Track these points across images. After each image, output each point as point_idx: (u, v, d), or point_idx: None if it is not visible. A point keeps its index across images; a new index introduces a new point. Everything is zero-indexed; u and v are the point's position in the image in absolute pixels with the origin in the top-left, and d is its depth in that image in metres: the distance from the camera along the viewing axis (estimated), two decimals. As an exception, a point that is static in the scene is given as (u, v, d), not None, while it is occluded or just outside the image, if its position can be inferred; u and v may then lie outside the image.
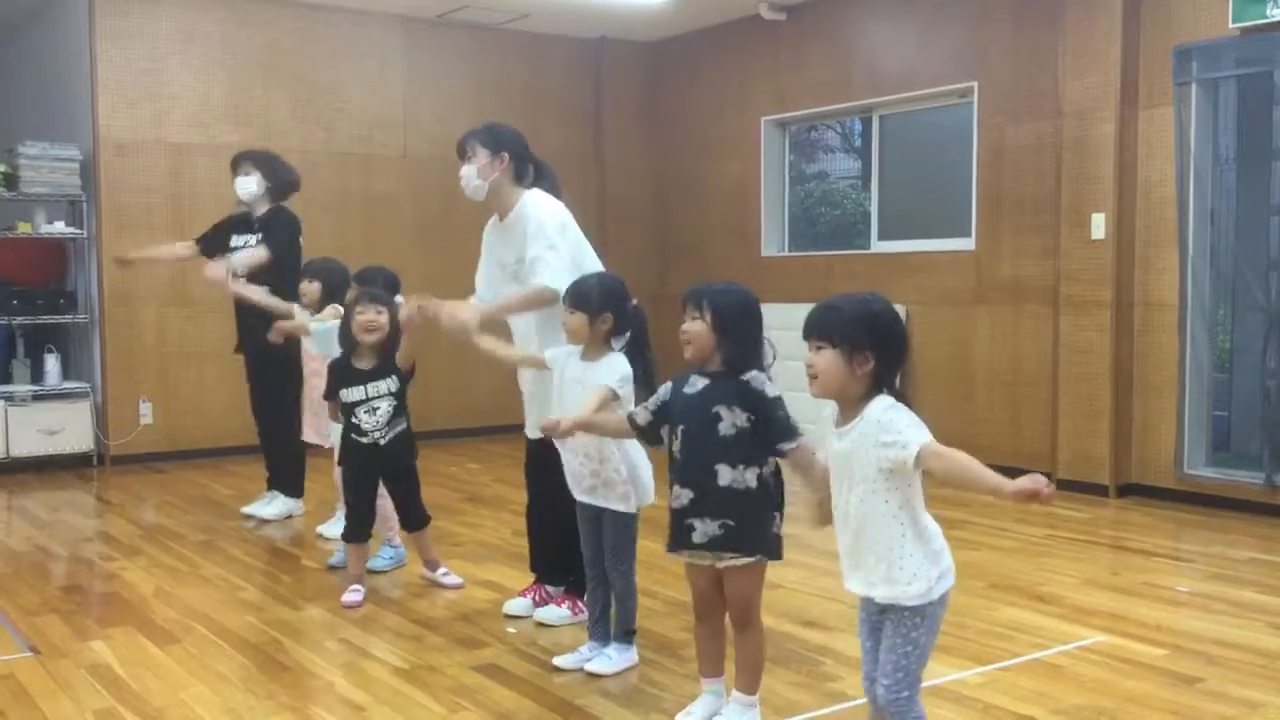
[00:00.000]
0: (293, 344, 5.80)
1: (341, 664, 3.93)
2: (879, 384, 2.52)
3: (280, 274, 5.94)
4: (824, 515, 2.75)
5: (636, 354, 3.68)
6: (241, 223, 6.22)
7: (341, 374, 4.65)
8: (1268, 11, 5.87)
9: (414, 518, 4.84)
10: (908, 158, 8.28)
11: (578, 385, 3.66)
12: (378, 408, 4.59)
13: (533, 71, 9.41)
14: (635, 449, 3.66)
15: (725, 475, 3.06)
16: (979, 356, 7.40)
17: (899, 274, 7.84)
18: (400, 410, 4.64)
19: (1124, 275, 6.55)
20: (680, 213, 9.68)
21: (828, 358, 2.52)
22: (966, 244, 7.52)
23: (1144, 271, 6.54)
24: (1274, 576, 4.95)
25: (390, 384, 4.60)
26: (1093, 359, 6.62)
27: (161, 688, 3.69)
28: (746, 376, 3.09)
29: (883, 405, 2.50)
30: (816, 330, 2.55)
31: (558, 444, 3.74)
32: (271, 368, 6.10)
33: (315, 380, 5.61)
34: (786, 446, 3.05)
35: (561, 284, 3.84)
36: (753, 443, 3.07)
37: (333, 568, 5.16)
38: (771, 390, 3.08)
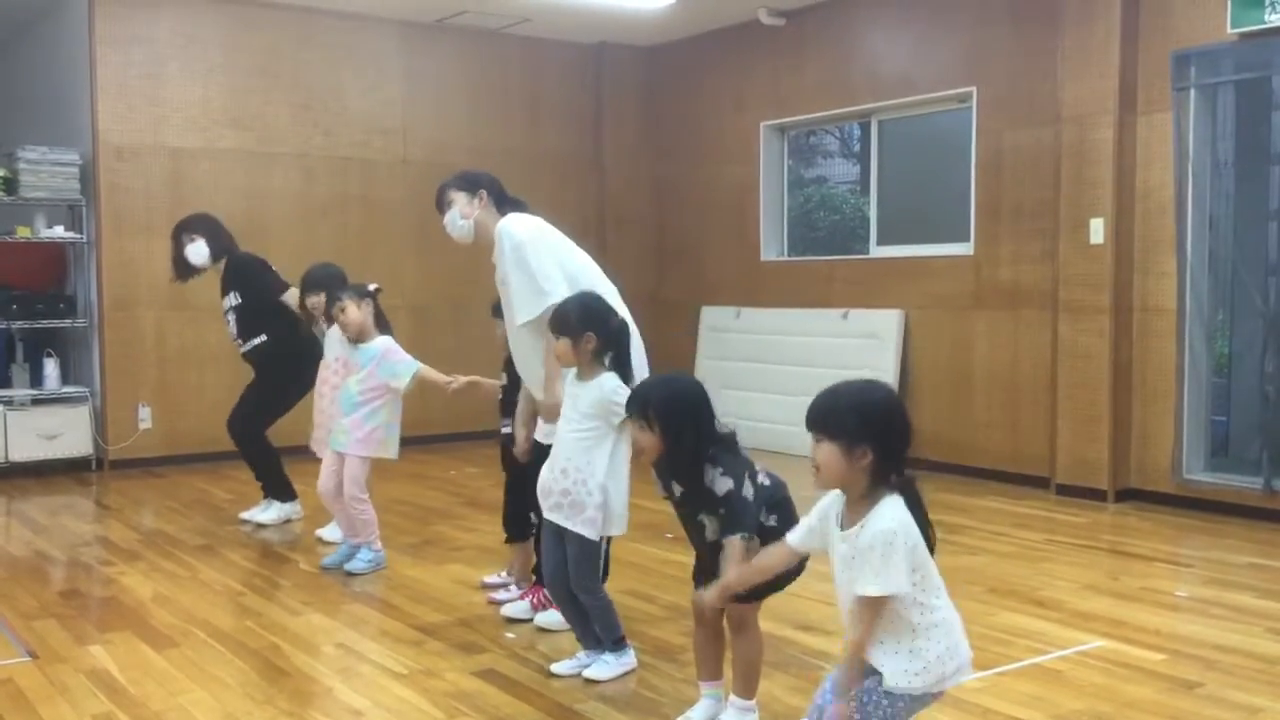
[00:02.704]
0: (308, 357, 5.91)
1: (340, 669, 3.93)
2: (883, 475, 2.46)
3: (263, 312, 6.11)
4: (701, 601, 2.95)
5: (618, 373, 3.63)
6: (221, 284, 6.28)
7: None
8: (1266, 17, 5.88)
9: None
10: (907, 163, 8.28)
11: (570, 401, 3.67)
12: None
13: (532, 76, 9.42)
14: (616, 477, 3.62)
15: (724, 566, 3.07)
16: (978, 361, 7.40)
17: (898, 279, 7.85)
18: None
19: (1122, 280, 6.55)
20: (679, 217, 9.69)
21: (826, 451, 2.46)
22: (965, 249, 7.53)
23: (1142, 276, 6.54)
24: (1273, 581, 4.95)
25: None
26: (1091, 364, 6.62)
27: (160, 693, 3.68)
28: (708, 482, 3.09)
29: (880, 523, 2.41)
30: (814, 423, 2.49)
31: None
32: (272, 379, 6.14)
33: (325, 388, 5.64)
34: (727, 538, 3.03)
35: (539, 305, 3.90)
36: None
37: (326, 569, 5.17)
38: (721, 487, 3.08)
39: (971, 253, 7.47)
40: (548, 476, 3.69)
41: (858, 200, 9.18)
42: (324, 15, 8.48)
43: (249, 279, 6.17)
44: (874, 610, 2.39)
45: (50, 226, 7.83)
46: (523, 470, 4.38)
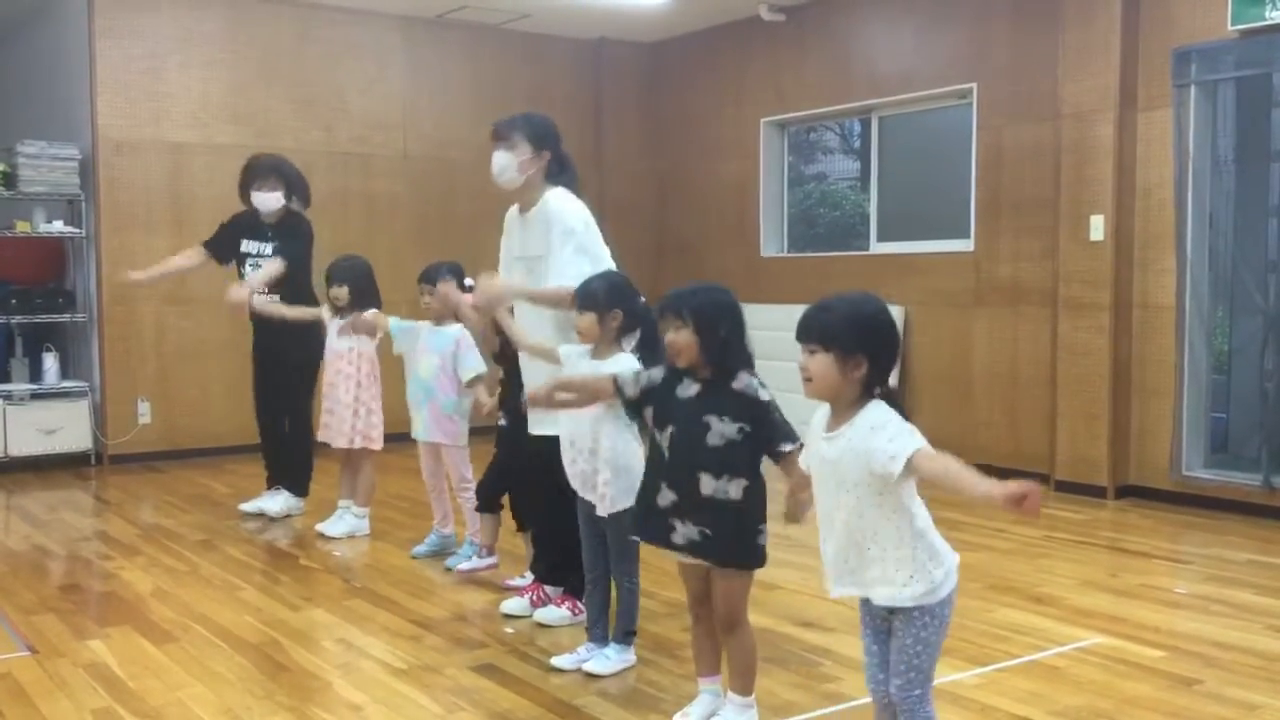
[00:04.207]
0: (313, 344, 5.86)
1: (340, 664, 3.93)
2: (872, 386, 2.50)
3: (295, 283, 5.97)
4: (794, 513, 2.87)
5: (647, 354, 3.62)
6: (251, 227, 6.06)
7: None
8: (1266, 13, 5.88)
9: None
10: (907, 159, 8.28)
11: None
12: None
13: (532, 72, 9.41)
14: (629, 451, 3.62)
15: (708, 484, 3.06)
16: (978, 358, 7.40)
17: (898, 275, 7.85)
18: None
19: (1122, 277, 6.55)
20: (679, 213, 9.68)
21: (821, 361, 2.49)
22: (965, 245, 7.53)
23: (1142, 273, 6.54)
24: (1272, 578, 4.96)
25: None
26: (1091, 361, 6.62)
27: (159, 687, 3.69)
28: (738, 385, 3.07)
29: (876, 413, 2.48)
30: (810, 333, 2.52)
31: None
32: (289, 368, 6.09)
33: (339, 378, 5.64)
34: (786, 447, 3.03)
35: None
36: (739, 453, 3.06)
37: (416, 557, 5.31)
38: (765, 395, 3.07)
39: (971, 249, 7.47)
40: (567, 455, 3.72)
41: (858, 196, 9.18)
42: (324, 10, 8.47)
43: (299, 243, 5.92)
44: (932, 459, 2.39)
45: (49, 221, 7.82)
46: (512, 458, 4.56)
